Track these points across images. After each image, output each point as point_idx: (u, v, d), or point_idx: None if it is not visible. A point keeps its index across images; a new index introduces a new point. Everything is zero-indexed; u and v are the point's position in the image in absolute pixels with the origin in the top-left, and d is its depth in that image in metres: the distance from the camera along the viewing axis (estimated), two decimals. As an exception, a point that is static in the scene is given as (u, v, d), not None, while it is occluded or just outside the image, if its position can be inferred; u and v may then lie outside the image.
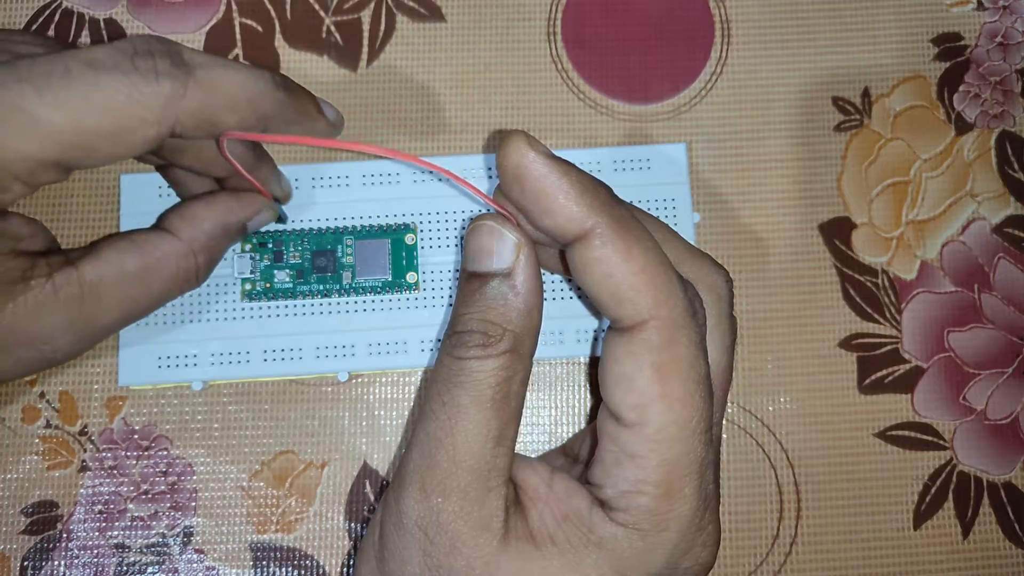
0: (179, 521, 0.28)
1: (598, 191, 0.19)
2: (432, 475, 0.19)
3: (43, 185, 0.21)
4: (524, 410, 0.28)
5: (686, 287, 0.20)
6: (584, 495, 0.20)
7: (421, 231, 0.28)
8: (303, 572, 0.28)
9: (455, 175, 0.20)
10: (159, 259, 0.22)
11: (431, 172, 0.28)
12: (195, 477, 0.28)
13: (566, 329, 0.27)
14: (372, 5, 0.31)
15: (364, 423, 0.28)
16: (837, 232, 0.30)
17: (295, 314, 0.27)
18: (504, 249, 0.20)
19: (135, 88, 0.19)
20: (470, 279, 0.21)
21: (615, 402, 0.19)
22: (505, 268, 0.20)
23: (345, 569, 0.28)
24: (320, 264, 0.27)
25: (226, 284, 0.27)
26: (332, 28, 0.31)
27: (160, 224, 0.23)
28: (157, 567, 0.27)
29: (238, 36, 0.30)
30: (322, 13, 0.31)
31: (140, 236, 0.23)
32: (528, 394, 0.29)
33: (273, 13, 0.31)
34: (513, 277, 0.20)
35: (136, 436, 0.28)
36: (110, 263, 0.21)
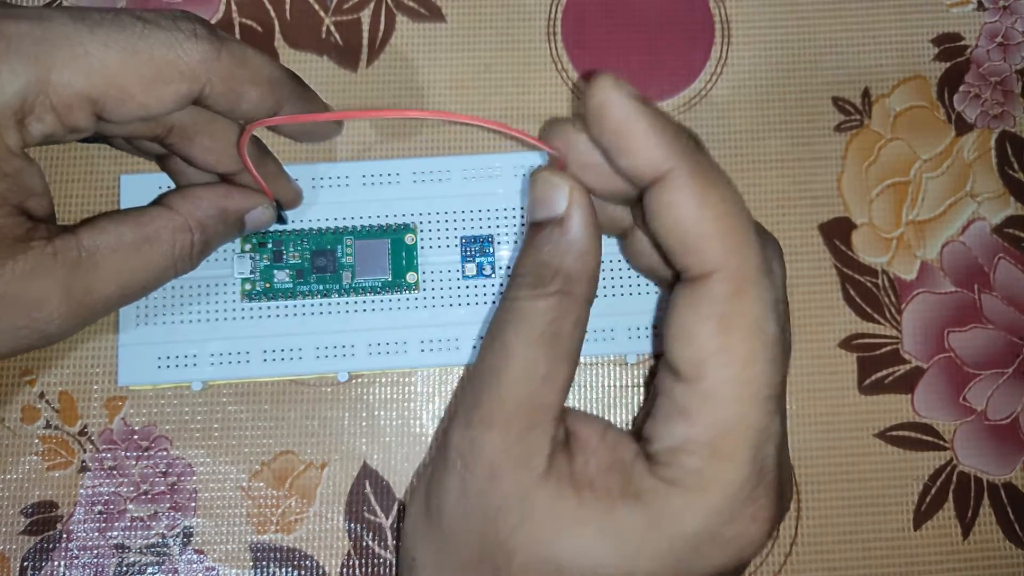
0: (179, 521, 0.28)
1: (679, 135, 0.19)
2: (477, 409, 0.20)
3: (69, 130, 0.21)
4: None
5: (765, 243, 0.19)
6: (630, 446, 0.20)
7: (421, 231, 0.28)
8: (303, 572, 0.28)
9: (506, 126, 0.20)
10: (156, 230, 0.23)
11: (431, 172, 0.28)
12: (195, 477, 0.28)
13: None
14: (372, 5, 0.31)
15: (364, 423, 0.28)
16: (837, 232, 0.30)
17: (295, 314, 0.27)
18: (558, 196, 0.20)
19: (177, 43, 0.21)
20: (531, 229, 0.21)
21: (674, 354, 0.19)
22: (559, 214, 0.20)
23: (345, 569, 0.28)
24: (320, 264, 0.27)
25: (226, 284, 0.27)
26: (332, 28, 0.31)
27: (158, 201, 0.24)
28: (157, 567, 0.27)
29: (238, 36, 0.30)
30: (322, 13, 0.31)
31: (138, 209, 0.23)
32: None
33: (273, 13, 0.31)
34: (566, 222, 0.20)
35: (136, 436, 0.28)
36: (108, 232, 0.22)
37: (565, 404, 0.20)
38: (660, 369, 0.20)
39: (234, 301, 0.27)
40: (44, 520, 0.27)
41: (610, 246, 0.27)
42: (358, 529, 0.28)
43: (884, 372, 0.29)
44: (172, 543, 0.27)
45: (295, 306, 0.27)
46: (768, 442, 0.19)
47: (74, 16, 0.21)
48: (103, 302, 0.22)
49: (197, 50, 0.21)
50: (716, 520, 0.18)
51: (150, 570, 0.27)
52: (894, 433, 0.29)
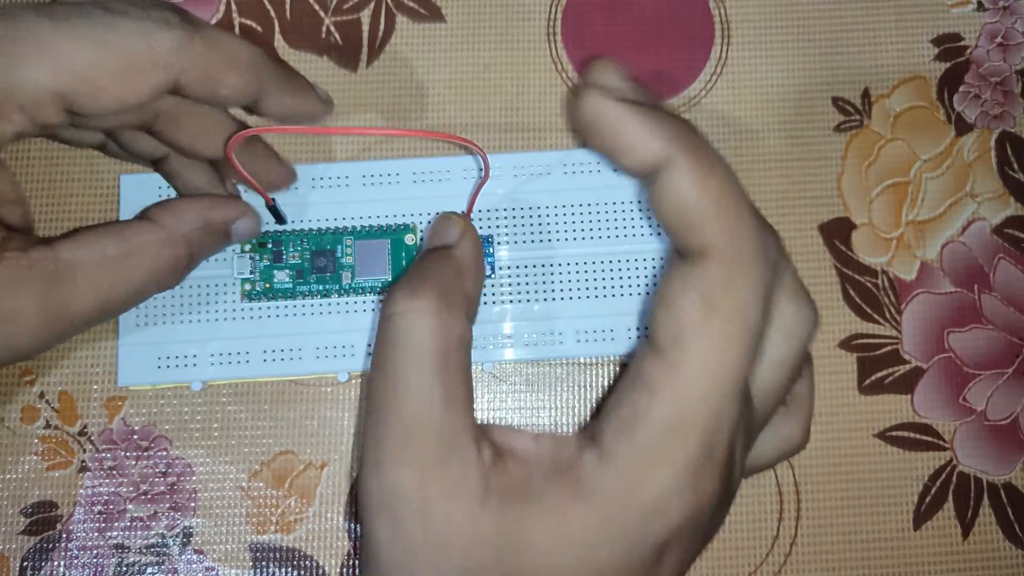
0: (178, 521, 0.28)
1: (674, 124, 0.19)
2: (384, 450, 0.19)
3: (40, 127, 0.21)
4: (524, 410, 0.28)
5: (764, 227, 0.19)
6: (572, 442, 0.19)
7: (421, 231, 0.28)
8: (303, 572, 0.28)
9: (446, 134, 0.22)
10: (140, 245, 0.22)
11: (431, 172, 0.28)
12: (194, 477, 0.28)
13: (566, 329, 0.27)
14: (372, 5, 0.31)
15: (364, 423, 0.28)
16: (837, 232, 0.30)
17: (295, 314, 0.27)
18: (454, 228, 0.23)
19: (148, 33, 0.21)
20: (423, 254, 0.23)
21: (655, 321, 0.19)
22: (452, 241, 0.23)
23: (344, 569, 0.28)
24: (320, 264, 0.27)
25: (226, 284, 0.27)
26: (332, 28, 0.31)
27: (142, 215, 0.24)
28: (157, 567, 0.27)
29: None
30: (322, 13, 0.31)
31: (121, 223, 0.22)
32: (528, 394, 0.29)
33: (273, 13, 0.31)
34: (455, 248, 0.22)
35: (136, 436, 0.28)
36: (89, 246, 0.21)
37: (480, 423, 0.20)
38: (640, 342, 0.19)
39: (234, 301, 0.27)
40: (44, 520, 0.27)
41: (602, 246, 0.27)
42: (358, 529, 0.28)
43: (884, 372, 0.29)
44: (172, 543, 0.27)
45: (295, 306, 0.27)
46: (723, 427, 0.18)
47: (39, 12, 0.20)
48: (81, 317, 0.21)
49: (169, 39, 0.21)
50: (663, 496, 0.18)
51: (150, 570, 0.27)
52: (894, 433, 0.29)
